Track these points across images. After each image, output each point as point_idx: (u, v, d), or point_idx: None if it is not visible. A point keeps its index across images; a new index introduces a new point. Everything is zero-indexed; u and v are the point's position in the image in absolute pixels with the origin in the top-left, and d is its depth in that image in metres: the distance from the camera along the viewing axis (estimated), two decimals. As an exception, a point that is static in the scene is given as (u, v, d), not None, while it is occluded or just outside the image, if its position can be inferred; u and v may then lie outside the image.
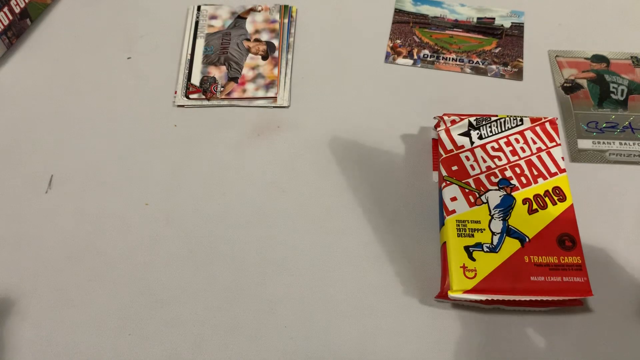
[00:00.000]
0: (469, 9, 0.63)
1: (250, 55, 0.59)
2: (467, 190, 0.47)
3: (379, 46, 0.60)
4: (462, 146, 0.49)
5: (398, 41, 0.61)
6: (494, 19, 0.62)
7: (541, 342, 0.45)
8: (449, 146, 0.49)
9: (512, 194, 0.47)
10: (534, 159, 0.48)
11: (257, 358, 0.45)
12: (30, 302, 0.47)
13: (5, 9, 0.58)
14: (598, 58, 0.59)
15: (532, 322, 0.46)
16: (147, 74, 0.59)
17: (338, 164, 0.53)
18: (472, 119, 0.50)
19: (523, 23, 0.62)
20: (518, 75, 0.58)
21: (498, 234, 0.45)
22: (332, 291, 0.47)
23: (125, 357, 0.45)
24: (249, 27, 0.61)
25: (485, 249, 0.44)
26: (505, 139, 0.49)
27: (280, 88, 0.57)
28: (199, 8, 0.63)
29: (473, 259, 0.44)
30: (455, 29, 0.62)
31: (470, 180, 0.47)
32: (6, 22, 0.58)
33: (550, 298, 0.43)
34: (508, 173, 0.48)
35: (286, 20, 0.62)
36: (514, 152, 0.49)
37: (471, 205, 0.46)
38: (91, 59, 0.60)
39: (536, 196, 0.46)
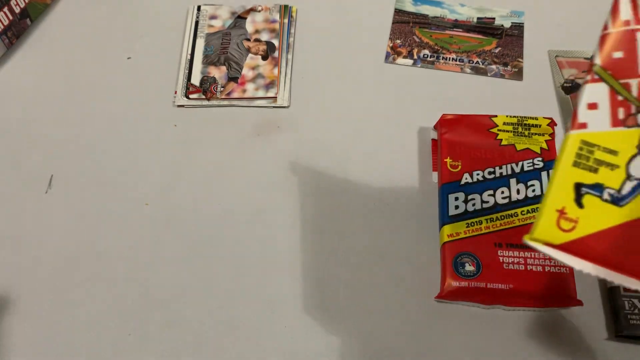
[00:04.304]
0: (469, 9, 0.63)
1: (250, 55, 0.59)
2: (619, 99, 0.30)
3: (379, 46, 0.60)
4: None
5: (398, 41, 0.61)
6: (494, 19, 0.62)
7: (541, 341, 0.45)
8: (625, 15, 0.31)
9: None
10: None
11: (257, 358, 0.45)
12: (30, 302, 0.47)
13: (5, 9, 0.58)
14: (598, 58, 0.59)
15: (532, 321, 0.46)
16: (147, 74, 0.59)
17: (338, 164, 0.53)
18: None
19: (523, 23, 0.62)
20: (518, 75, 0.58)
21: (637, 180, 0.30)
22: (332, 291, 0.47)
23: (125, 357, 0.45)
24: (249, 27, 0.61)
25: (606, 197, 0.30)
26: None
27: (280, 88, 0.57)
28: (199, 8, 0.63)
29: (581, 205, 0.30)
30: (455, 29, 0.62)
31: (634, 83, 0.31)
32: (6, 22, 0.58)
33: None
34: None
35: (286, 20, 0.62)
36: None
37: (616, 124, 0.30)
38: (91, 59, 0.60)
39: None
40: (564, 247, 0.29)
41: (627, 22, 0.30)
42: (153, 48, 0.61)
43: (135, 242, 0.49)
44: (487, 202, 0.48)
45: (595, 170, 0.30)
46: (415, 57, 0.60)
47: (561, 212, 0.29)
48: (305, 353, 0.45)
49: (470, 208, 0.48)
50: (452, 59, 0.59)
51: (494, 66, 0.59)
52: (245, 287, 0.47)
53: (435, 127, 0.53)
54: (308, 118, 0.56)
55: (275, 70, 0.58)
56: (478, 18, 0.62)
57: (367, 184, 0.52)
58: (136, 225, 0.50)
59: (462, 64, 0.59)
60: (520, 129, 0.51)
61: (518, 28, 0.61)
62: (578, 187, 0.30)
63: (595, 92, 0.30)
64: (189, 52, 0.60)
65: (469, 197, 0.48)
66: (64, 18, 0.63)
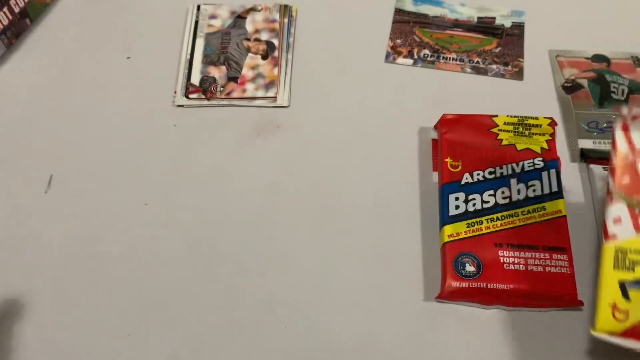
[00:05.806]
0: (469, 8, 0.63)
1: (250, 54, 0.59)
2: (636, 212, 0.38)
3: (379, 46, 0.60)
4: None
5: (398, 41, 0.61)
6: (494, 18, 0.62)
7: (542, 342, 0.45)
8: (624, 150, 0.38)
9: None
10: None
11: (257, 358, 0.44)
12: (30, 303, 0.47)
13: (5, 9, 0.58)
14: (599, 58, 0.59)
15: (533, 322, 0.45)
16: (147, 73, 0.59)
17: (338, 164, 0.53)
18: None
19: (524, 22, 0.62)
20: (518, 75, 0.58)
21: None
22: (332, 291, 0.47)
23: (124, 357, 0.45)
24: (249, 26, 0.61)
25: None
26: None
27: (280, 88, 0.57)
28: (198, 7, 0.63)
29: (628, 298, 0.37)
30: (455, 29, 0.61)
31: None
32: (6, 22, 0.58)
33: None
34: None
35: (286, 20, 0.61)
36: None
37: (639, 230, 0.37)
38: (91, 58, 0.60)
39: None
40: (624, 334, 0.36)
41: (626, 156, 0.38)
42: (152, 48, 0.60)
43: (135, 242, 0.49)
44: (488, 202, 0.48)
45: (632, 269, 0.37)
46: (416, 56, 0.59)
47: (614, 307, 0.37)
48: (305, 353, 0.45)
49: (470, 208, 0.48)
50: (453, 58, 0.59)
51: (494, 66, 0.59)
52: (245, 287, 0.47)
53: (435, 127, 0.53)
54: (308, 118, 0.56)
55: (275, 70, 0.58)
56: (478, 17, 0.62)
57: (367, 184, 0.52)
58: (136, 225, 0.50)
59: (462, 63, 0.59)
60: (520, 129, 0.51)
61: (518, 28, 0.61)
62: (622, 285, 0.37)
63: (617, 210, 0.38)
64: (189, 51, 0.60)
65: (470, 197, 0.48)
66: (64, 18, 0.63)
